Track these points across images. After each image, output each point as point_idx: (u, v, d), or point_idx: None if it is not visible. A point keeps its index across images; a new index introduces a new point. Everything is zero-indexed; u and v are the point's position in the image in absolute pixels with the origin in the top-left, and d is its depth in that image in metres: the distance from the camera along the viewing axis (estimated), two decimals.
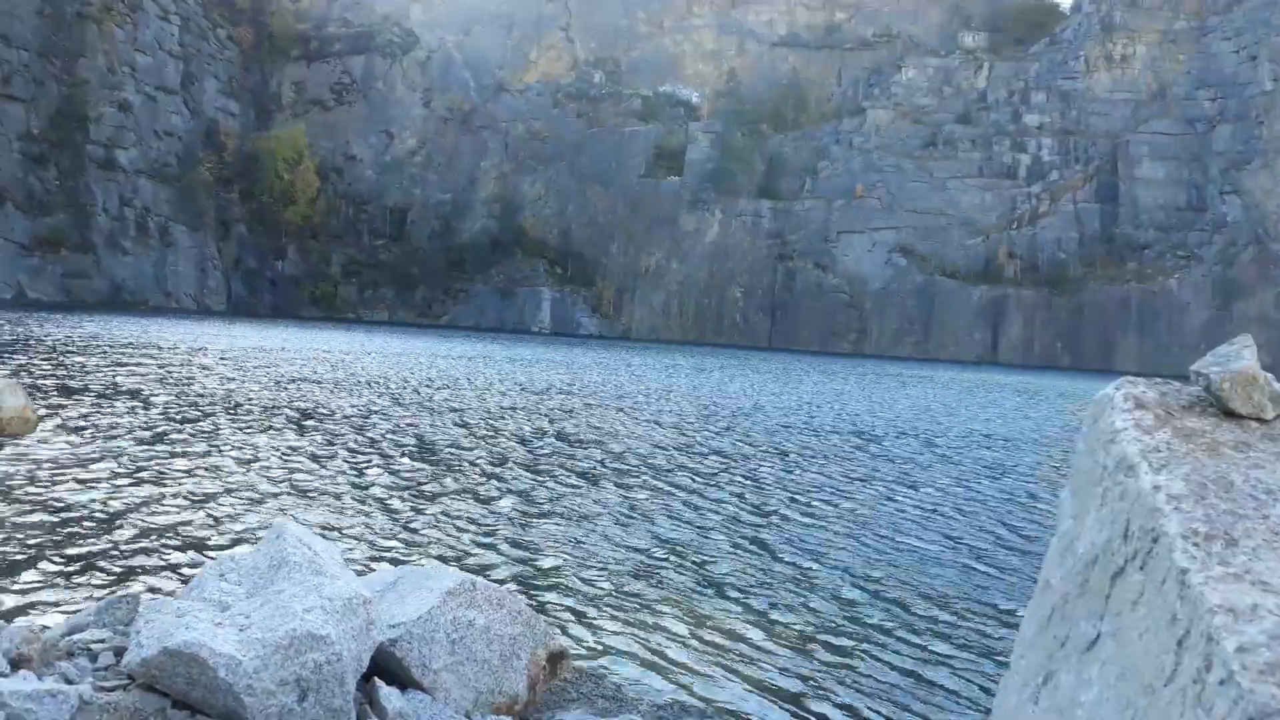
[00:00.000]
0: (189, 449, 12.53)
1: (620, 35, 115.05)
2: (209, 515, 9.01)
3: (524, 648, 4.39)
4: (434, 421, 17.82)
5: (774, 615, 7.37)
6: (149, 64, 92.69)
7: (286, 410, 17.69)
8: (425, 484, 11.58)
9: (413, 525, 9.37)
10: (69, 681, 3.61)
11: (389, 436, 15.38)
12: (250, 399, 18.99)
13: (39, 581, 6.63)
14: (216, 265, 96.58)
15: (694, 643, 6.59)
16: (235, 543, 8.04)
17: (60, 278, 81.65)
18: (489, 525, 9.65)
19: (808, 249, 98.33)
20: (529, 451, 14.96)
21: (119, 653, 3.85)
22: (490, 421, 18.53)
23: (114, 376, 21.09)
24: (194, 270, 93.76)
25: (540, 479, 12.55)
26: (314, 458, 12.78)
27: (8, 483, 9.45)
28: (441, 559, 8.06)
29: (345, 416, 17.54)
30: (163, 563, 7.38)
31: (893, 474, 15.44)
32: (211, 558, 7.16)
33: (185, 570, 7.14)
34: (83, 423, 13.91)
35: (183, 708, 3.56)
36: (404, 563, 7.79)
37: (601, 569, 8.32)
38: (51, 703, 3.33)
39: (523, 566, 8.18)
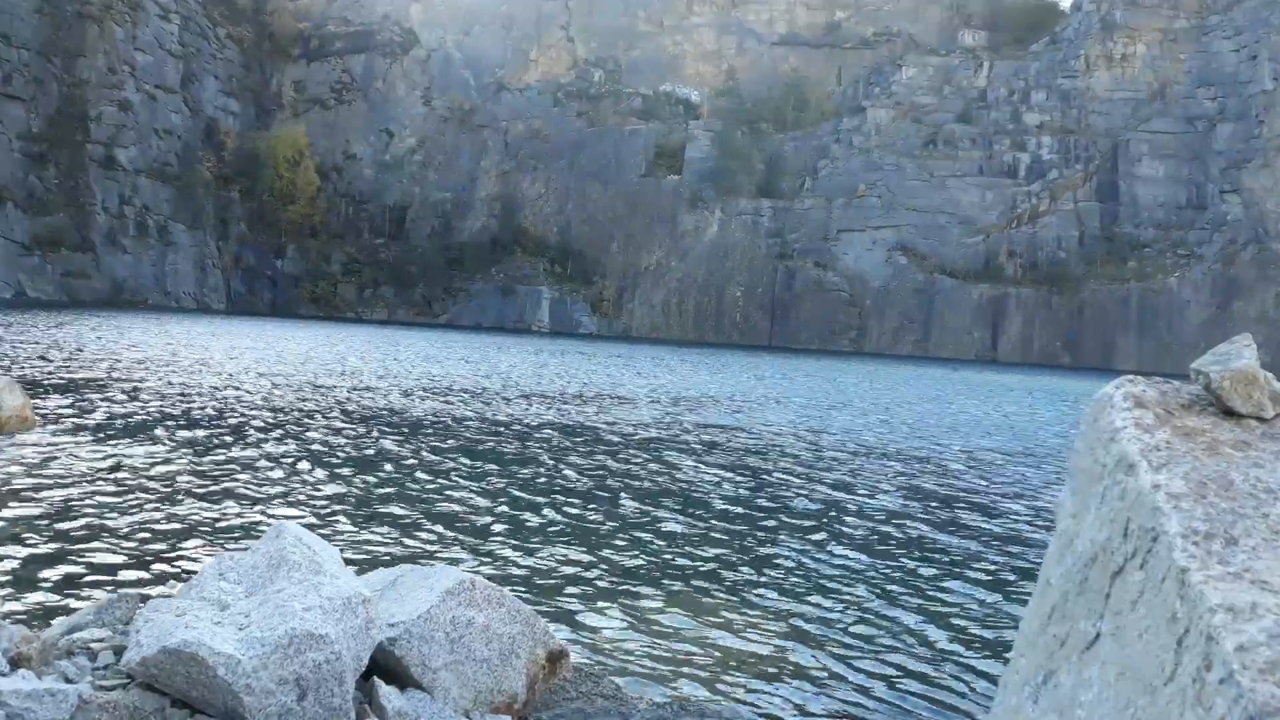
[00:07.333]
0: (188, 448, 12.53)
1: (620, 35, 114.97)
2: (208, 514, 9.01)
3: (523, 647, 4.39)
4: (433, 422, 17.83)
5: (775, 615, 7.37)
6: (149, 63, 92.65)
7: (286, 410, 17.69)
8: (424, 484, 11.58)
9: (412, 525, 9.36)
10: (68, 680, 3.61)
11: (388, 436, 15.38)
12: (249, 398, 18.99)
13: (38, 580, 6.63)
14: (216, 264, 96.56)
15: (694, 642, 6.59)
16: (235, 542, 8.04)
17: (60, 277, 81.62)
18: (488, 525, 9.65)
19: (808, 248, 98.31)
20: (529, 451, 14.96)
21: (118, 652, 3.85)
22: (490, 421, 18.53)
23: (113, 375, 21.09)
24: (193, 269, 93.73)
25: (540, 479, 12.55)
26: (313, 457, 12.77)
27: (6, 482, 9.45)
28: (441, 558, 8.06)
29: (344, 416, 17.54)
30: (162, 562, 7.38)
31: (897, 473, 15.44)
32: (211, 557, 7.15)
33: (185, 570, 7.14)
34: (81, 421, 13.91)
35: (182, 706, 3.56)
36: (403, 562, 7.78)
37: (601, 568, 8.32)
38: (50, 702, 3.33)
39: (523, 566, 8.19)
